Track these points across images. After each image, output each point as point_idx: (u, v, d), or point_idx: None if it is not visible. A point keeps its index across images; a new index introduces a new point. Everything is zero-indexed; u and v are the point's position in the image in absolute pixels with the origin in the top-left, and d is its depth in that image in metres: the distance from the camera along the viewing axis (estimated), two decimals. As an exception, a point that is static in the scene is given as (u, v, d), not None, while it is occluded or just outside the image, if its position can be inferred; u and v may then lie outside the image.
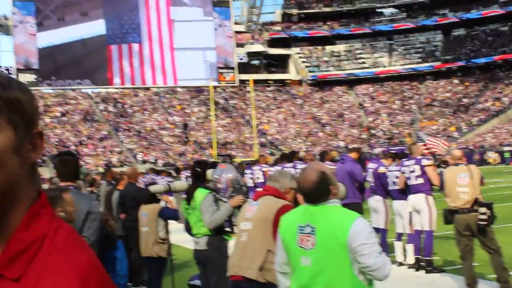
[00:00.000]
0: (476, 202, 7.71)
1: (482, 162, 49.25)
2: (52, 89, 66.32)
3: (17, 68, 63.76)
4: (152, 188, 7.45)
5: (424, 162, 9.35)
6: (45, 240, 1.11)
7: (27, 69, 64.20)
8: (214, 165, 7.81)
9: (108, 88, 68.58)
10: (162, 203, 7.91)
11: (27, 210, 1.13)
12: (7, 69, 64.20)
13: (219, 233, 6.09)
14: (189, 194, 6.28)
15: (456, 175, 7.91)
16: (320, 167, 3.60)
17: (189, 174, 18.84)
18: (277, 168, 13.43)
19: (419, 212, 9.43)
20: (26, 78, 61.77)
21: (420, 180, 9.33)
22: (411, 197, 9.53)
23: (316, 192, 3.48)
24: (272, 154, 54.03)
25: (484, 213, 7.59)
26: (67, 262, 1.08)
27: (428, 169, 9.28)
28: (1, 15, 69.38)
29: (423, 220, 9.37)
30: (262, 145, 59.21)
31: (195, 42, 70.95)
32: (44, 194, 1.19)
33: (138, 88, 69.27)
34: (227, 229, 6.13)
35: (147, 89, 69.82)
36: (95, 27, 68.63)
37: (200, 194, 6.12)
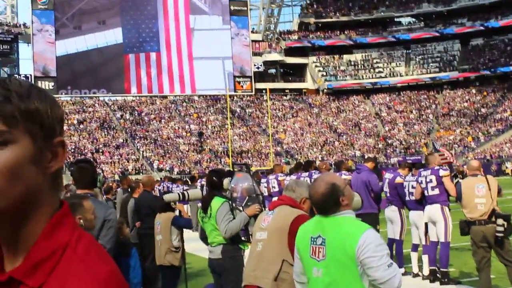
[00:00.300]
0: (494, 214, 7.64)
1: (500, 172, 48.92)
2: (70, 97, 66.79)
3: (35, 76, 64.27)
4: (166, 197, 7.47)
5: (441, 172, 9.28)
6: (66, 249, 1.12)
7: (45, 77, 64.67)
8: (230, 173, 7.79)
9: (125, 96, 68.90)
10: (177, 212, 7.91)
11: (50, 219, 1.14)
12: (26, 77, 64.82)
13: (235, 242, 6.07)
14: (205, 203, 6.27)
15: (473, 186, 7.84)
16: (331, 179, 3.59)
17: (204, 183, 18.86)
18: (293, 177, 13.40)
19: (435, 223, 9.36)
20: (44, 86, 62.22)
21: (436, 191, 9.26)
22: (427, 207, 9.46)
23: (325, 203, 3.48)
24: (287, 163, 53.98)
25: (501, 225, 7.51)
26: (88, 272, 1.09)
27: (445, 180, 9.21)
28: (21, 23, 70.21)
29: (439, 231, 9.29)
30: (278, 154, 59.19)
31: (214, 51, 71.10)
32: (67, 203, 1.20)
33: (155, 96, 69.54)
34: (243, 238, 6.11)
35: (164, 97, 70.05)
36: (112, 36, 68.88)
37: (217, 202, 6.10)
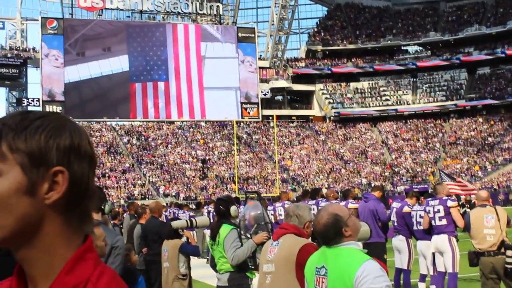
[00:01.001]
0: (503, 245, 7.59)
1: (507, 202, 48.63)
2: (78, 121, 66.87)
3: (43, 100, 64.64)
4: (174, 224, 7.45)
5: (449, 203, 9.24)
6: (87, 285, 1.12)
7: (53, 101, 64.99)
8: (237, 200, 7.79)
9: (132, 121, 69.03)
10: (184, 239, 7.89)
11: (73, 254, 1.15)
12: (33, 100, 65.22)
13: (242, 270, 6.05)
14: (214, 231, 6.27)
15: (482, 216, 7.80)
16: (333, 209, 3.59)
17: (211, 209, 18.83)
18: (300, 205, 13.34)
19: (442, 253, 9.30)
20: (52, 110, 62.50)
21: (444, 221, 9.22)
22: (434, 238, 9.42)
23: (327, 234, 3.49)
24: (294, 190, 53.88)
25: (511, 256, 7.46)
26: None
27: (453, 211, 9.17)
28: (30, 47, 70.84)
29: (447, 262, 9.24)
30: (284, 181, 59.12)
31: (226, 80, 70.89)
32: (91, 238, 1.20)
33: (162, 121, 69.70)
34: (251, 266, 6.09)
35: (171, 122, 70.20)
36: (118, 63, 68.34)
37: (225, 229, 6.11)
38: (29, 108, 63.67)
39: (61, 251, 1.15)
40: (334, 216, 3.50)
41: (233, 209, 6.36)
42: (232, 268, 6.02)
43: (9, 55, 67.28)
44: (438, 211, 9.25)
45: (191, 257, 7.92)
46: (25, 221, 1.11)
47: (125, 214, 15.73)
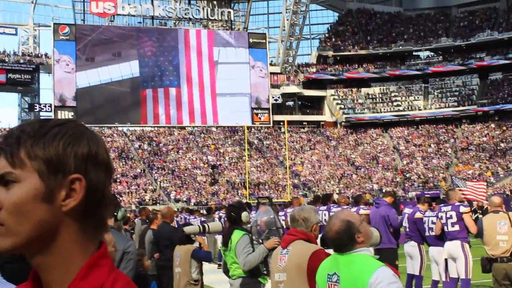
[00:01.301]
0: (516, 251, 7.55)
1: (520, 208, 48.27)
2: (89, 126, 66.89)
3: (55, 105, 64.95)
4: (187, 229, 7.46)
5: (462, 209, 9.20)
6: None
7: (65, 106, 65.27)
8: (249, 206, 7.79)
9: (143, 126, 69.15)
10: (197, 244, 7.91)
11: (87, 260, 1.16)
12: (45, 106, 65.58)
13: (254, 275, 6.06)
14: (225, 237, 6.30)
15: (495, 222, 7.77)
16: (345, 216, 3.58)
17: (222, 215, 18.85)
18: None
19: (455, 259, 9.26)
20: (64, 116, 62.81)
21: (457, 227, 9.18)
22: (447, 244, 9.38)
23: (340, 241, 3.48)
24: (305, 195, 53.83)
25: (524, 263, 7.42)
26: None
27: (465, 217, 9.13)
28: (43, 53, 71.28)
29: (460, 268, 9.19)
30: (295, 186, 59.04)
31: (240, 86, 71.02)
32: (105, 244, 1.21)
33: (173, 127, 69.81)
34: (263, 271, 6.10)
35: (182, 128, 70.30)
36: (128, 69, 68.30)
37: (237, 235, 6.13)
38: (41, 114, 64.18)
39: (76, 257, 1.16)
40: (346, 222, 3.49)
41: (244, 215, 6.38)
42: (244, 274, 6.03)
43: (21, 61, 67.72)
44: (451, 217, 9.22)
45: (204, 263, 7.93)
46: (41, 227, 1.12)
47: (136, 219, 15.77)
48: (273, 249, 5.70)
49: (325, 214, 12.50)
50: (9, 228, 1.12)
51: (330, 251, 5.99)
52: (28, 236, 1.12)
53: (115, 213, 5.70)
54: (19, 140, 1.14)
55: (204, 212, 24.78)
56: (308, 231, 4.62)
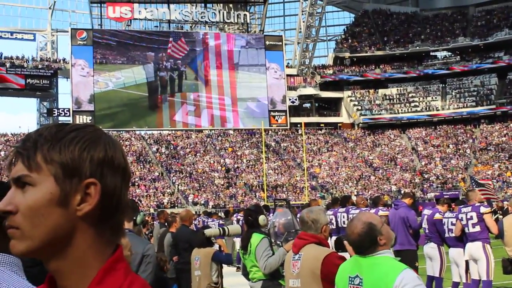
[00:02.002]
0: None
1: (540, 208, 47.80)
2: (107, 130, 67.48)
3: (73, 110, 65.40)
4: (207, 232, 7.47)
5: (482, 209, 9.13)
6: None
7: (83, 111, 65.70)
8: (267, 208, 7.80)
9: (161, 130, 69.42)
10: (216, 247, 7.92)
11: (104, 264, 1.16)
12: (63, 110, 66.07)
13: (275, 278, 6.06)
14: (244, 241, 6.31)
15: (516, 223, 7.70)
16: (367, 218, 3.55)
17: (240, 217, 18.86)
18: (329, 213, 13.31)
19: (476, 260, 9.19)
20: (82, 120, 63.28)
21: (478, 228, 9.11)
22: (468, 245, 9.31)
23: (362, 243, 3.45)
24: (323, 197, 53.70)
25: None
26: None
27: (486, 217, 9.06)
28: (61, 58, 71.83)
29: (481, 269, 9.12)
30: (313, 188, 58.94)
31: (254, 88, 71.24)
32: (121, 248, 1.21)
33: (190, 130, 70.02)
34: (283, 273, 6.10)
35: (199, 131, 70.49)
36: (144, 73, 68.85)
37: (256, 238, 6.15)
38: (60, 119, 64.62)
39: (92, 262, 1.16)
40: (368, 225, 3.46)
41: (261, 218, 6.38)
42: (265, 276, 6.04)
43: (40, 66, 68.33)
44: (471, 218, 9.15)
45: (223, 265, 7.94)
46: (56, 232, 1.13)
47: (155, 222, 15.82)
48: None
49: (343, 216, 12.46)
50: (24, 232, 1.12)
51: (345, 254, 5.96)
52: (43, 240, 1.12)
53: (134, 218, 5.73)
54: (36, 144, 1.15)
55: (222, 215, 24.82)
56: (318, 233, 4.58)
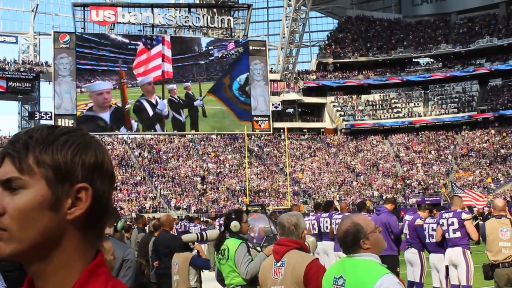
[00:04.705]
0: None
1: (521, 214, 48.14)
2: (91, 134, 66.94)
3: (55, 113, 64.86)
4: (185, 237, 7.43)
5: (464, 216, 9.17)
6: None
7: (65, 114, 65.12)
8: (248, 213, 7.76)
9: (143, 134, 69.08)
10: (195, 252, 7.88)
11: (85, 269, 1.16)
12: (45, 114, 65.56)
13: (253, 283, 6.02)
14: (218, 244, 6.26)
15: (497, 228, 7.75)
16: (358, 219, 3.55)
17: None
18: (311, 218, 13.31)
19: (456, 266, 9.22)
20: (64, 123, 62.75)
21: (458, 234, 9.14)
22: (448, 250, 9.34)
23: (344, 240, 3.46)
24: (305, 202, 53.81)
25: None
26: None
27: (467, 223, 9.10)
28: (43, 62, 71.35)
29: (461, 275, 9.16)
30: (295, 193, 58.98)
31: (240, 93, 71.51)
32: (102, 253, 1.21)
33: (173, 134, 69.79)
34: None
35: (182, 135, 70.30)
36: (127, 76, 68.56)
37: (234, 244, 6.07)
38: (41, 122, 64.13)
39: (75, 266, 1.15)
40: (355, 225, 3.46)
41: (233, 224, 6.34)
42: (243, 282, 5.98)
43: (22, 69, 67.79)
44: (452, 223, 9.18)
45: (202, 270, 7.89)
46: (45, 235, 1.12)
47: (133, 227, 15.67)
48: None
49: (326, 221, 12.49)
50: (12, 234, 1.11)
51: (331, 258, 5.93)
52: (31, 243, 1.11)
53: (115, 224, 5.68)
54: (27, 146, 1.14)
55: (208, 220, 24.73)
56: (299, 238, 4.55)
